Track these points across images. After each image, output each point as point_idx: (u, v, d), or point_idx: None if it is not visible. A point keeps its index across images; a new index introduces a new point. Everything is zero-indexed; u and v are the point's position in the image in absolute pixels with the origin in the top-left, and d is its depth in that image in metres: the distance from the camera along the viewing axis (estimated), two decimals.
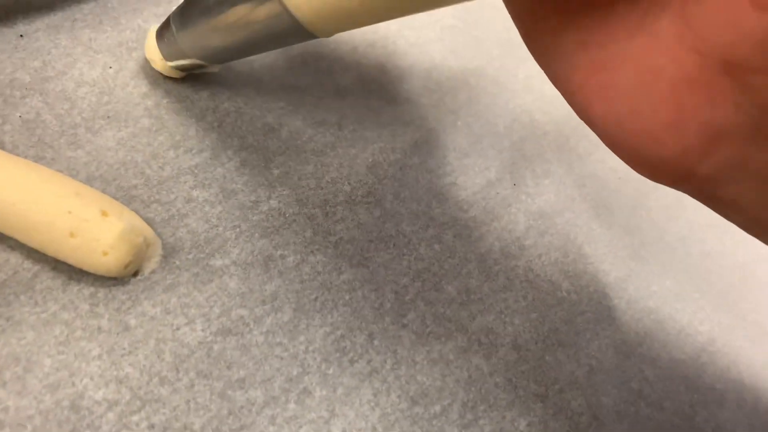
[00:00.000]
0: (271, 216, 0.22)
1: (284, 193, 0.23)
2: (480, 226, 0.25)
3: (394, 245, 0.23)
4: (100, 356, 0.18)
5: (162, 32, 0.22)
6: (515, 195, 0.26)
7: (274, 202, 0.22)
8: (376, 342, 0.21)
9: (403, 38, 0.28)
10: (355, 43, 0.27)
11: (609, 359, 0.24)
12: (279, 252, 0.21)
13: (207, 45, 0.20)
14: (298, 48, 0.26)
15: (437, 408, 0.20)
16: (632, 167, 0.14)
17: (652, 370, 0.24)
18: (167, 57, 0.22)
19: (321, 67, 0.26)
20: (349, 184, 0.24)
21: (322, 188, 0.23)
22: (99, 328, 0.18)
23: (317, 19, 0.16)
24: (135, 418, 0.17)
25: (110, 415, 0.17)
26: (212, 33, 0.20)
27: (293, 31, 0.17)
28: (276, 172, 0.23)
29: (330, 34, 0.17)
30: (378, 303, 0.22)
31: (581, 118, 0.14)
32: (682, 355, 0.25)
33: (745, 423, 0.24)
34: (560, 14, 0.14)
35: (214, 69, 0.23)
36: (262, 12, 0.17)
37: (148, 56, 0.23)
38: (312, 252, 0.22)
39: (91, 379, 0.18)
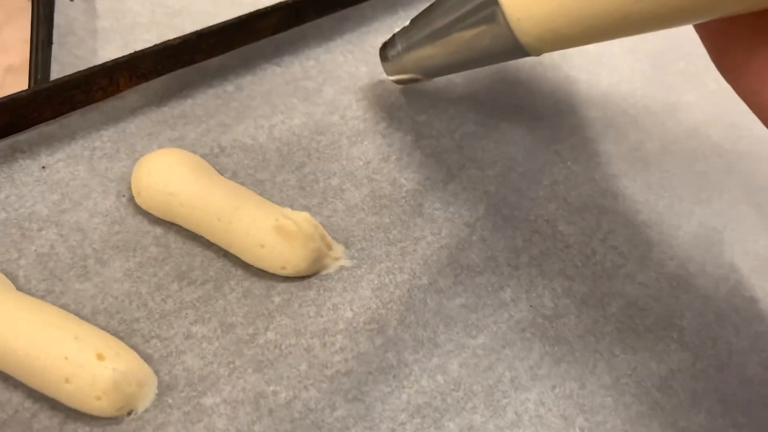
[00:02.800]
0: (267, 349, 0.23)
1: (282, 323, 0.23)
2: (489, 353, 0.25)
3: (393, 377, 0.23)
4: None
5: (386, 50, 0.27)
6: (530, 318, 0.26)
7: (271, 334, 0.23)
8: None
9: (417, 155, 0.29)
10: (368, 158, 0.28)
11: None
12: (271, 388, 0.22)
13: (429, 63, 0.25)
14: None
15: None
16: None
17: None
18: (389, 72, 0.28)
19: (331, 184, 0.27)
20: (351, 309, 0.24)
21: (322, 315, 0.24)
22: None
23: (538, 43, 0.20)
24: None
25: None
26: (437, 53, 0.24)
27: (513, 51, 0.22)
28: (277, 300, 0.24)
29: (541, 53, 0.21)
30: None
31: (755, 112, 0.16)
32: None
33: None
34: (753, 34, 0.16)
35: (427, 80, 0.28)
36: (488, 36, 0.22)
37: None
38: (305, 387, 0.22)
39: None
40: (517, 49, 0.21)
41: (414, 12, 0.29)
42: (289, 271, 0.24)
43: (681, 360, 0.26)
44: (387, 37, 0.30)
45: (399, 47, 0.26)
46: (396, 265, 0.26)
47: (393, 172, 0.28)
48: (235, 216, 0.24)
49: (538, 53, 0.21)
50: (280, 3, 0.28)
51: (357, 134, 0.28)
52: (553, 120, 0.31)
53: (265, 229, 0.24)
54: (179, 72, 0.27)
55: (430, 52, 0.25)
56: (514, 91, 0.32)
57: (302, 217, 0.24)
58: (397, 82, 0.28)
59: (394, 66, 0.27)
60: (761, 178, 0.32)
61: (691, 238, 0.29)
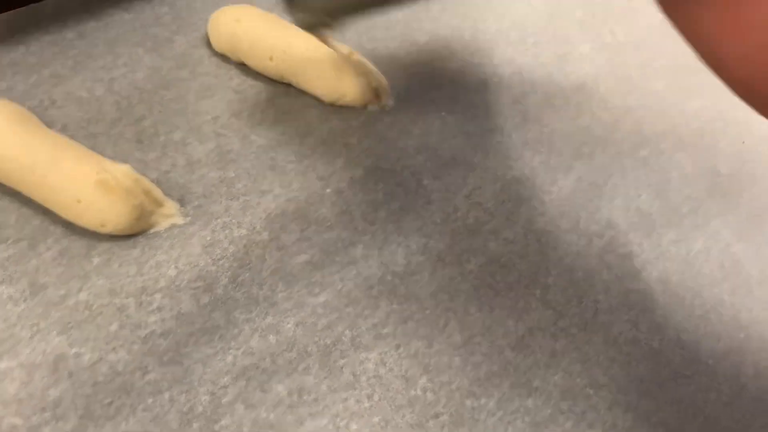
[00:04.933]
0: (76, 310, 0.22)
1: (98, 283, 0.22)
2: (330, 312, 0.23)
3: (219, 337, 0.22)
4: None
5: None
6: (380, 275, 0.25)
7: (83, 295, 0.22)
8: None
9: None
10: (216, 113, 0.27)
11: None
12: (74, 350, 0.21)
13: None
14: None
15: None
16: (753, 106, 0.16)
17: None
18: (294, 12, 0.24)
19: (173, 139, 0.26)
20: (176, 267, 0.23)
21: (142, 274, 0.23)
22: None
23: None
24: None
25: None
26: None
27: None
28: (96, 260, 0.23)
29: None
30: (187, 407, 0.21)
31: (707, 60, 0.16)
32: None
33: None
34: None
35: (333, 23, 0.25)
36: None
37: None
38: (114, 349, 0.21)
39: None
40: None
41: None
42: (109, 229, 0.23)
43: (542, 318, 0.25)
44: None
45: None
46: (234, 221, 0.24)
47: (244, 129, 0.27)
48: (51, 169, 0.22)
49: None
50: None
51: (207, 89, 0.27)
52: (431, 67, 0.30)
53: (83, 183, 0.22)
54: (9, 14, 0.25)
55: None
56: (391, 36, 0.31)
57: (122, 171, 0.23)
58: (304, 26, 0.26)
59: (300, 6, 0.25)
60: (649, 131, 0.31)
61: (567, 193, 0.28)
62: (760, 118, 0.32)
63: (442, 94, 0.29)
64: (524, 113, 0.30)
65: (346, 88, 0.27)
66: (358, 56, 0.28)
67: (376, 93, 0.28)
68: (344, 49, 0.27)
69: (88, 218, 0.23)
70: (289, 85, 0.28)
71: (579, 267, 0.27)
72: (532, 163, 0.29)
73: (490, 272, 0.26)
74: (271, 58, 0.27)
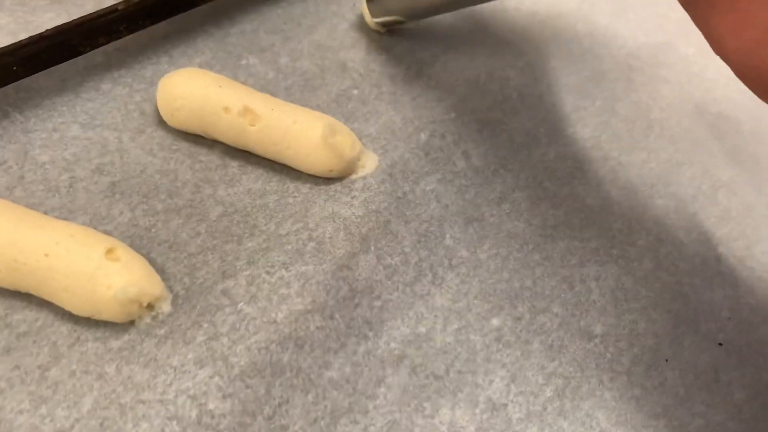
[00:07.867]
0: None
1: None
2: None
3: None
4: None
5: None
6: None
7: None
8: None
9: None
10: None
11: None
12: None
13: (413, 3, 0.27)
14: None
15: None
16: (758, 95, 0.18)
17: None
18: (373, 14, 0.29)
19: None
20: None
21: None
22: None
23: None
24: None
25: None
26: None
27: None
28: None
29: None
30: None
31: (716, 52, 0.18)
32: None
33: None
34: None
35: (410, 25, 0.31)
36: None
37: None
38: None
39: None
40: None
41: None
42: None
43: None
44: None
45: None
46: None
47: None
48: None
49: None
50: None
51: None
52: (222, 251, 0.25)
53: None
54: None
55: None
56: (175, 207, 0.25)
57: None
58: (382, 24, 0.30)
59: (378, 8, 0.29)
60: (503, 292, 0.26)
61: (396, 395, 0.23)
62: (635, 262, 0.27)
63: (238, 282, 0.24)
64: (352, 286, 0.25)
65: (101, 305, 0.21)
66: (124, 251, 0.22)
67: (146, 305, 0.22)
68: (108, 242, 0.22)
69: None
70: (30, 294, 0.22)
71: None
72: (354, 357, 0.23)
73: None
74: None
